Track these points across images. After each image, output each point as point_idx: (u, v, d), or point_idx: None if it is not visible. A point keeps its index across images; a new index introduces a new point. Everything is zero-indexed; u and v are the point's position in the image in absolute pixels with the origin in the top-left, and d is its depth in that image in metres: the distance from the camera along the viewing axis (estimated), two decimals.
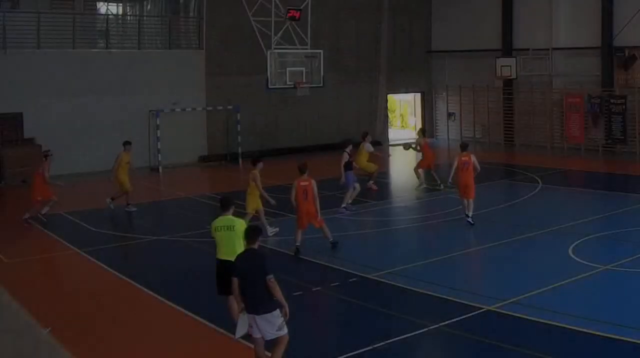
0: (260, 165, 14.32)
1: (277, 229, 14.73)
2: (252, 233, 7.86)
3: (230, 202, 9.35)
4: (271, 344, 7.64)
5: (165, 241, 14.84)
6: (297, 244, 13.05)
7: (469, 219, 15.13)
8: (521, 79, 29.04)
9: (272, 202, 14.25)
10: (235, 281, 7.63)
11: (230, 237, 8.97)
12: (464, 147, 16.02)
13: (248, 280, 7.47)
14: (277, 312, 7.41)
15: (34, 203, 16.67)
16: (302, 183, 13.06)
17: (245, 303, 7.57)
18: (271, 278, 7.34)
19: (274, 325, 7.40)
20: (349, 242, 14.29)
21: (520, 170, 23.37)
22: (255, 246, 7.74)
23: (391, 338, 8.70)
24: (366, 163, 19.69)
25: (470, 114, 31.82)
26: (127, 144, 18.60)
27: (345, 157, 17.51)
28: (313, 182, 13.12)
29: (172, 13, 27.63)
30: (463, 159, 15.49)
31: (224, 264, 9.04)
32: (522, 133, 29.85)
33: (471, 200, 15.26)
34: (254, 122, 28.16)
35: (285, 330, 7.47)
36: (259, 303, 7.39)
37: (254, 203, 14.29)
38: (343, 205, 17.03)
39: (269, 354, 7.69)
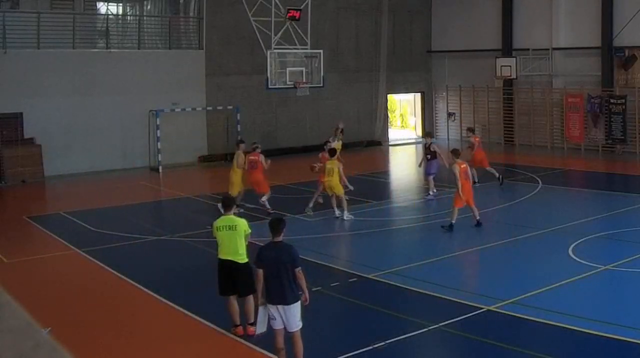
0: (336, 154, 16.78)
1: (352, 217, 16.15)
2: (277, 225, 7.91)
3: (232, 201, 9.35)
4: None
5: (165, 241, 14.84)
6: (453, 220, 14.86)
7: None
8: (521, 79, 29.02)
9: (351, 187, 16.64)
10: (260, 272, 7.75)
11: (232, 236, 8.97)
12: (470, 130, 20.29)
13: (275, 270, 7.60)
14: (300, 302, 7.68)
15: (265, 191, 16.69)
16: (463, 166, 15.02)
17: (269, 294, 7.66)
18: (300, 270, 7.62)
19: (297, 315, 7.63)
20: (349, 242, 14.29)
21: (520, 170, 23.35)
22: (280, 238, 7.86)
23: (391, 338, 8.70)
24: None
25: (470, 114, 31.79)
26: (241, 142, 17.78)
27: (433, 148, 19.00)
28: (466, 164, 15.50)
29: (172, 13, 27.62)
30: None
31: (225, 264, 9.05)
32: (522, 133, 29.84)
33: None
34: (254, 122, 28.16)
35: (301, 323, 7.73)
36: (288, 294, 7.58)
37: (340, 188, 16.15)
38: (430, 192, 18.73)
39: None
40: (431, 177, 18.76)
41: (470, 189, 15.21)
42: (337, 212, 16.34)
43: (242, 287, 8.95)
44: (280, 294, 7.59)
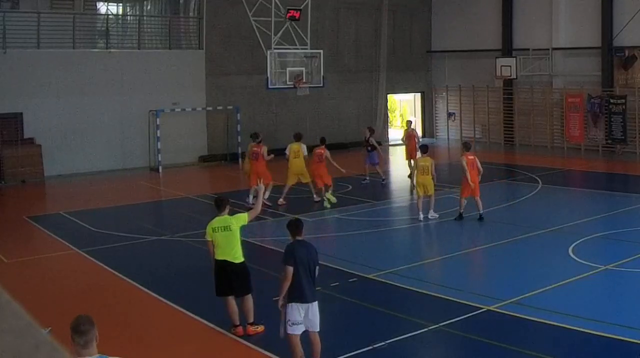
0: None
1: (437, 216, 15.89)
2: (296, 226, 7.98)
3: (225, 202, 9.34)
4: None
5: (165, 241, 14.83)
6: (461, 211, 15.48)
7: None
8: (521, 79, 29.02)
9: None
10: (290, 270, 7.58)
11: (228, 237, 8.98)
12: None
13: (307, 268, 7.63)
14: None
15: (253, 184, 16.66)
16: (470, 157, 15.35)
17: (302, 292, 7.57)
18: (318, 268, 7.80)
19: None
20: (349, 242, 14.29)
21: (520, 170, 23.36)
22: (301, 237, 7.94)
23: (391, 338, 8.70)
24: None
25: (470, 114, 31.81)
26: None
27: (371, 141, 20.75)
28: (474, 156, 15.59)
29: (172, 13, 27.62)
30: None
31: (222, 264, 9.05)
32: (522, 133, 29.85)
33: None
34: (254, 122, 28.13)
35: None
36: (314, 292, 7.70)
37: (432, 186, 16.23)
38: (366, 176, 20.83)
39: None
40: (377, 166, 20.75)
41: (477, 180, 15.32)
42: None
43: (238, 287, 8.96)
44: (310, 293, 7.62)
